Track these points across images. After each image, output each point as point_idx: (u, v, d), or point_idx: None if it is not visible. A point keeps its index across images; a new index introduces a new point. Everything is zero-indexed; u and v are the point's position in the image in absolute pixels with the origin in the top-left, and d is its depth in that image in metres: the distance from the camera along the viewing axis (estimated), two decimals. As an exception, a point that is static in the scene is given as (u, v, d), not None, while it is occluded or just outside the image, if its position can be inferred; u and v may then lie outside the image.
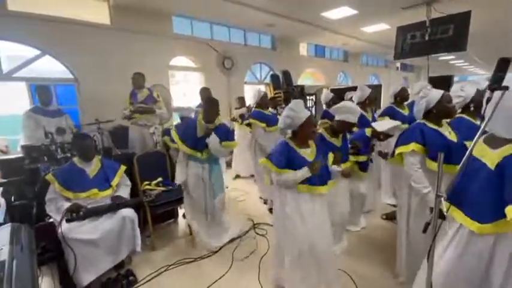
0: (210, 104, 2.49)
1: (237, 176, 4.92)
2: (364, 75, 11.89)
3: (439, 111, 1.80)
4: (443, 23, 5.14)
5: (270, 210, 3.42)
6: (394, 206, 3.30)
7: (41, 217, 2.19)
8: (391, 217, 3.09)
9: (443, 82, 5.33)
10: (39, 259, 1.83)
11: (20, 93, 4.29)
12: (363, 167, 2.53)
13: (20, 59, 4.21)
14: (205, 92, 4.04)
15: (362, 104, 3.07)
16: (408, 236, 1.95)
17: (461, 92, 2.12)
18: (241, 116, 4.67)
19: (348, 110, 2.13)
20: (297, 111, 1.76)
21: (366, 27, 7.00)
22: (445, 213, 1.17)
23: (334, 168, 1.97)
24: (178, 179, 2.55)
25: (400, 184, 1.99)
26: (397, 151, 1.87)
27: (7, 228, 1.13)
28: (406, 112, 3.22)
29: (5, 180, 1.75)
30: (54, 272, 2.04)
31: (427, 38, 5.36)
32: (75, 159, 2.30)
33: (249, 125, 3.74)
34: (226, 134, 2.53)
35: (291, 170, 1.75)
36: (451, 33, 5.08)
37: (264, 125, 3.29)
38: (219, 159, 2.71)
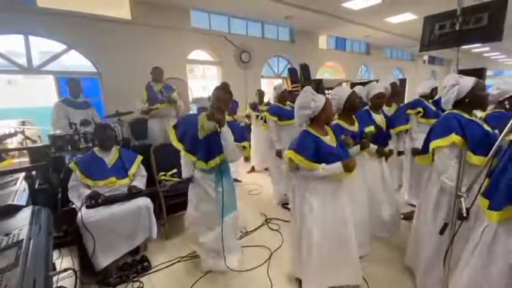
0: (222, 90, 1.91)
1: (252, 169, 4.94)
2: (387, 68, 11.40)
3: (473, 100, 1.64)
4: (476, 11, 4.73)
5: (283, 205, 3.40)
6: (413, 205, 3.16)
7: (65, 203, 2.33)
8: (409, 217, 2.96)
9: (474, 75, 4.96)
10: (60, 241, 1.96)
11: (49, 86, 4.56)
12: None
13: (49, 55, 4.46)
14: None
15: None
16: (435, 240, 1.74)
17: (502, 85, 1.96)
18: (254, 107, 4.70)
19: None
20: (315, 97, 1.75)
21: (390, 17, 6.68)
22: (464, 214, 1.10)
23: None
24: (184, 173, 2.12)
25: (427, 182, 1.84)
26: (433, 145, 1.66)
27: (28, 210, 1.21)
28: (433, 108, 3.08)
29: (28, 166, 1.89)
30: (74, 254, 2.16)
31: (457, 27, 4.98)
32: (96, 149, 2.41)
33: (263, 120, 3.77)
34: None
35: (320, 161, 1.68)
36: (485, 23, 4.68)
37: (275, 118, 3.27)
38: (230, 167, 2.20)
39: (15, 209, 1.24)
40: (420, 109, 3.01)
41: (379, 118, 2.45)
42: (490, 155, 1.03)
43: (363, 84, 5.26)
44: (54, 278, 1.19)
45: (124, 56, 4.84)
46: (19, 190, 1.44)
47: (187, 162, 2.06)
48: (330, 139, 1.80)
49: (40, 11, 4.09)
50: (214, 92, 1.92)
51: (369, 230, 2.31)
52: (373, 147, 2.30)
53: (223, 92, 1.90)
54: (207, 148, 1.93)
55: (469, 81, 1.66)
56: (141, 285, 2.03)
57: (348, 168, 1.64)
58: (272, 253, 2.40)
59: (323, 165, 1.67)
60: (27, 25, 4.05)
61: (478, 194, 1.15)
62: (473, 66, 6.90)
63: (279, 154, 3.25)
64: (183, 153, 2.01)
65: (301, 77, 6.87)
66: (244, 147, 2.03)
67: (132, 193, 2.24)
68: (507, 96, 1.99)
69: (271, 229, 2.85)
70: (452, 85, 1.69)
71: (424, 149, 1.82)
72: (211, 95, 1.93)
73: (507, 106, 2.00)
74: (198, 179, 2.03)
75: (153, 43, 5.15)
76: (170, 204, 2.73)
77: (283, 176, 3.29)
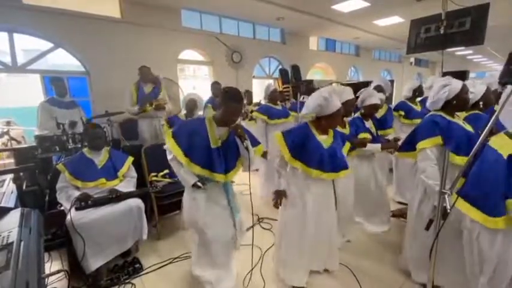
0: (237, 103, 1.62)
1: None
2: (376, 70, 11.62)
3: (459, 102, 1.72)
4: (459, 16, 4.92)
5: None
6: (401, 203, 3.25)
7: (53, 205, 2.28)
8: (398, 214, 3.04)
9: (457, 78, 5.11)
10: (49, 244, 1.92)
11: (35, 86, 4.43)
12: None
13: (35, 53, 4.34)
14: (217, 87, 4.10)
15: None
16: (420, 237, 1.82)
17: (471, 89, 2.06)
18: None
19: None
20: (330, 100, 1.73)
21: (378, 20, 6.82)
22: (448, 211, 1.15)
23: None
24: (191, 178, 1.67)
25: (415, 181, 1.89)
26: (420, 146, 1.73)
27: (17, 212, 1.19)
28: (418, 108, 3.26)
29: (15, 167, 1.83)
30: (63, 257, 2.12)
31: (442, 31, 5.15)
32: (85, 150, 2.38)
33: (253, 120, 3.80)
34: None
35: (303, 158, 1.77)
36: (467, 27, 4.86)
37: (265, 117, 3.31)
38: None
39: (4, 211, 1.22)
40: (402, 112, 3.21)
41: (371, 125, 2.51)
42: (470, 155, 1.09)
43: (352, 85, 5.40)
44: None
45: (113, 55, 4.76)
46: (7, 192, 1.40)
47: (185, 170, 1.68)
48: (325, 139, 1.83)
49: (26, 7, 3.97)
50: (228, 104, 1.61)
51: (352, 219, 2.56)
52: (377, 146, 2.33)
53: (237, 104, 1.62)
54: (225, 157, 1.68)
55: (458, 84, 1.72)
56: (132, 287, 2.01)
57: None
58: (264, 253, 2.42)
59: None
60: (12, 22, 3.92)
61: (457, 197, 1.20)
62: (457, 69, 7.16)
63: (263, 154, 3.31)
64: (191, 167, 1.64)
65: (292, 78, 6.94)
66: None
67: (124, 194, 2.21)
68: (478, 98, 2.10)
69: (264, 228, 2.87)
70: (444, 85, 1.73)
71: (405, 147, 1.91)
72: (222, 103, 1.63)
73: (481, 106, 2.11)
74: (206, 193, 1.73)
75: (143, 42, 5.08)
76: (162, 205, 2.72)
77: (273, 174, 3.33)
